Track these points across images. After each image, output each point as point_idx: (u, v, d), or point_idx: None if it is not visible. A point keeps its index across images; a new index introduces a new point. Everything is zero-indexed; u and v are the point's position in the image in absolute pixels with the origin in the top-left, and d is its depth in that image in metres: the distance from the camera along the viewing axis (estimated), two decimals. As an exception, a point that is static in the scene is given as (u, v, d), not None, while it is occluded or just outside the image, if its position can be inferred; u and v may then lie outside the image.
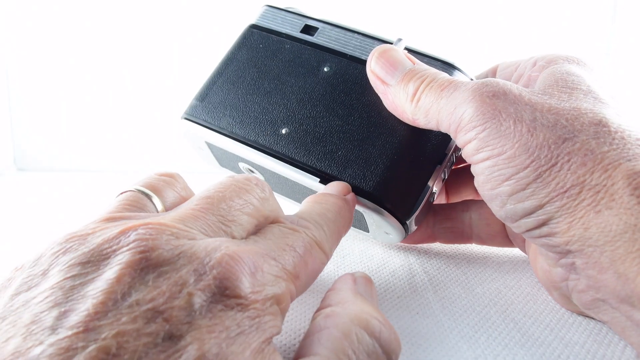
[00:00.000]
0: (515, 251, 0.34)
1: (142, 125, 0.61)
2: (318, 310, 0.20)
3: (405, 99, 0.27)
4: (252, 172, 0.33)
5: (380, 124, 0.29)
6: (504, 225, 0.31)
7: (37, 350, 0.14)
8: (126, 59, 0.60)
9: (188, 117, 0.33)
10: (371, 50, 0.30)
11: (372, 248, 0.34)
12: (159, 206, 0.23)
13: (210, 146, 0.34)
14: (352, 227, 0.34)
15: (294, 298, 0.20)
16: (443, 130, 0.26)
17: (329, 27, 0.33)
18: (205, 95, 0.33)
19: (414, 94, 0.27)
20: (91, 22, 0.59)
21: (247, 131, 0.31)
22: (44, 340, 0.14)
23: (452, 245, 0.35)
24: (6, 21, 0.58)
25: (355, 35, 0.32)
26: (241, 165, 0.33)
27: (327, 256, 0.23)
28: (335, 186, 0.27)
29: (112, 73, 0.60)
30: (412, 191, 0.28)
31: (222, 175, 0.24)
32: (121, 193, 0.23)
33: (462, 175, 0.35)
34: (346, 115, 0.30)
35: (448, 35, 0.61)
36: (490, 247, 0.35)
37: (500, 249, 0.34)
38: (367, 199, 0.28)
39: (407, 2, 0.60)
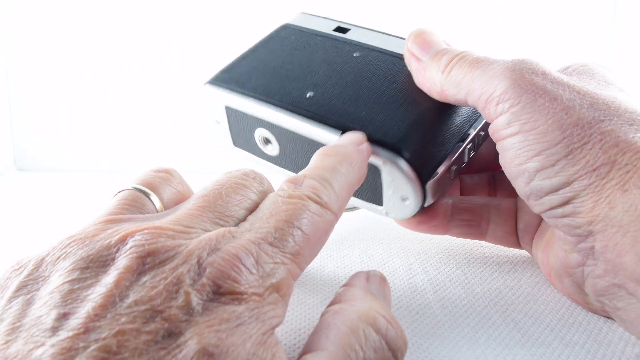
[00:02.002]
0: (515, 251, 0.34)
1: (141, 125, 0.61)
2: (328, 306, 0.20)
3: (436, 71, 0.27)
4: (269, 142, 0.32)
5: (406, 96, 0.29)
6: (516, 225, 0.31)
7: (39, 351, 0.14)
8: (126, 59, 0.60)
9: (211, 82, 0.32)
10: (401, 46, 0.31)
11: (372, 248, 0.34)
12: (157, 204, 0.23)
13: (229, 114, 0.33)
14: (365, 202, 0.32)
15: (297, 277, 0.20)
16: (471, 101, 0.26)
17: (360, 29, 0.34)
18: (230, 69, 0.33)
19: (446, 66, 0.27)
20: (91, 23, 0.59)
21: (271, 93, 0.31)
22: (45, 342, 0.15)
23: (452, 245, 0.35)
24: (6, 21, 0.58)
25: (385, 35, 0.33)
26: (258, 134, 0.32)
27: (336, 215, 0.22)
28: (348, 136, 0.26)
29: (112, 73, 0.60)
30: (434, 155, 0.28)
31: (222, 171, 0.23)
32: (119, 192, 0.23)
33: (476, 179, 0.35)
34: (373, 87, 0.30)
35: (450, 37, 0.61)
36: (490, 247, 0.35)
37: (500, 249, 0.34)
38: (390, 151, 0.27)
39: (411, 8, 0.60)
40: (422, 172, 0.27)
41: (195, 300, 0.16)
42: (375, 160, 0.27)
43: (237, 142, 0.34)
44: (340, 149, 0.25)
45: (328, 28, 0.35)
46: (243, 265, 0.18)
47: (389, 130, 0.28)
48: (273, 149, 0.32)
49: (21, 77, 0.60)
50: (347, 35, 0.34)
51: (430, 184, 0.28)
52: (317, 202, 0.21)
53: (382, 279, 0.23)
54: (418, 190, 0.27)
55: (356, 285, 0.21)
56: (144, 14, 0.59)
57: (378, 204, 0.30)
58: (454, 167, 0.29)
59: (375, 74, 0.31)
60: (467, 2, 0.61)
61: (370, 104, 0.29)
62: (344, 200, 0.23)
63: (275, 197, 0.21)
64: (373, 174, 0.28)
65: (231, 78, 0.32)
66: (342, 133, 0.28)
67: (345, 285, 0.22)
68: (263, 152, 0.33)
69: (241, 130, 0.33)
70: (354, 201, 0.32)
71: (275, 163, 0.33)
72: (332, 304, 0.20)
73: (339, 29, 0.35)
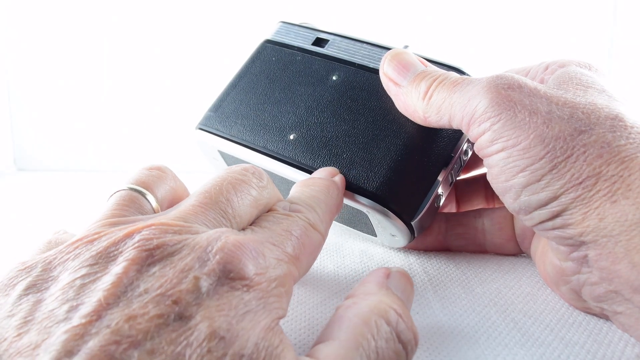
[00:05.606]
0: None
1: (141, 125, 0.61)
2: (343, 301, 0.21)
3: (417, 98, 0.27)
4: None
5: (386, 127, 0.29)
6: (514, 230, 0.31)
7: (51, 339, 0.15)
8: (126, 60, 0.60)
9: (201, 127, 0.34)
10: (379, 58, 0.31)
11: (372, 248, 0.34)
12: (154, 203, 0.23)
13: (223, 155, 0.34)
14: (360, 232, 0.34)
15: (297, 280, 0.20)
16: (455, 124, 0.26)
17: (339, 38, 0.34)
18: (218, 106, 0.34)
19: (426, 92, 0.27)
20: (91, 23, 0.59)
21: (256, 138, 0.32)
22: (58, 331, 0.15)
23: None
24: (6, 21, 0.58)
25: (364, 45, 0.33)
26: None
27: (323, 236, 0.23)
28: (322, 171, 0.28)
29: (112, 73, 0.60)
30: (416, 192, 0.29)
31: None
32: (115, 192, 0.23)
33: (472, 184, 0.35)
34: (352, 120, 0.30)
35: (451, 40, 0.61)
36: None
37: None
38: (371, 200, 0.28)
39: (412, 10, 0.60)
40: (406, 215, 0.28)
41: (205, 284, 0.17)
42: (360, 207, 0.28)
43: None
44: (316, 180, 0.26)
45: (307, 41, 0.35)
46: (250, 253, 0.18)
47: (370, 177, 0.28)
48: None
49: (21, 77, 0.60)
50: (326, 50, 0.34)
51: (415, 222, 0.28)
52: (305, 221, 0.22)
53: (403, 275, 0.23)
54: (404, 230, 0.29)
55: (371, 281, 0.22)
56: (143, 15, 0.59)
57: (373, 236, 0.33)
58: (441, 193, 0.29)
59: (355, 100, 0.31)
60: (468, 2, 0.61)
61: (350, 144, 0.29)
62: (327, 224, 0.24)
63: (270, 215, 0.22)
64: (361, 215, 0.30)
65: (220, 120, 0.33)
66: None
67: (360, 282, 0.22)
68: None
69: None
70: (355, 232, 0.35)
71: None
72: (347, 299, 0.21)
73: (318, 41, 0.34)
